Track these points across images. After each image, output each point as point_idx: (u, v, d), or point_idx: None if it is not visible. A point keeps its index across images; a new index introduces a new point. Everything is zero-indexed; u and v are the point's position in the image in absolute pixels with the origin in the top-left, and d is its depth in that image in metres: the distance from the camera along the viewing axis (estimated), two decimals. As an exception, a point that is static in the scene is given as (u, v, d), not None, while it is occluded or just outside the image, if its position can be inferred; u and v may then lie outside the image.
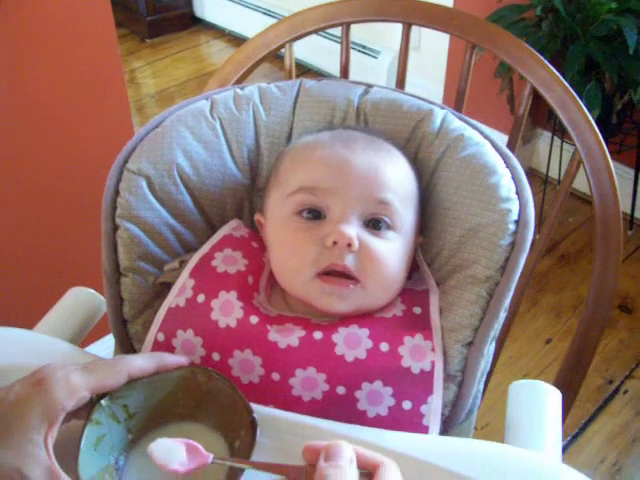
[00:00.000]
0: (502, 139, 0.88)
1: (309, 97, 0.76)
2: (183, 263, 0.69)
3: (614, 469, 1.39)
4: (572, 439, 1.43)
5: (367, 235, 0.64)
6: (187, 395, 0.57)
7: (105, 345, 1.33)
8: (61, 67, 1.15)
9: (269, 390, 0.61)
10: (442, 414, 0.62)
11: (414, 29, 0.91)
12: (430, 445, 0.57)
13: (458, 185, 0.68)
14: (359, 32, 2.36)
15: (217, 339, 0.62)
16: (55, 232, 1.29)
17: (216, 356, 0.62)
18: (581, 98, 0.80)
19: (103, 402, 0.54)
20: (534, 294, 1.75)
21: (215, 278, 0.66)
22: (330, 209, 0.64)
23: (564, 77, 0.82)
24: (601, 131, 0.81)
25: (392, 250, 0.65)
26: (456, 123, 0.72)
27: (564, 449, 1.42)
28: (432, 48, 2.15)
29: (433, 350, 0.62)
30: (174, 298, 0.66)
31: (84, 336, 0.78)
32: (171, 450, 0.50)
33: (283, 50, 0.94)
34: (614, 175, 0.79)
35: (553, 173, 1.98)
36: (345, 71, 0.96)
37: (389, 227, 0.65)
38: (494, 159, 0.68)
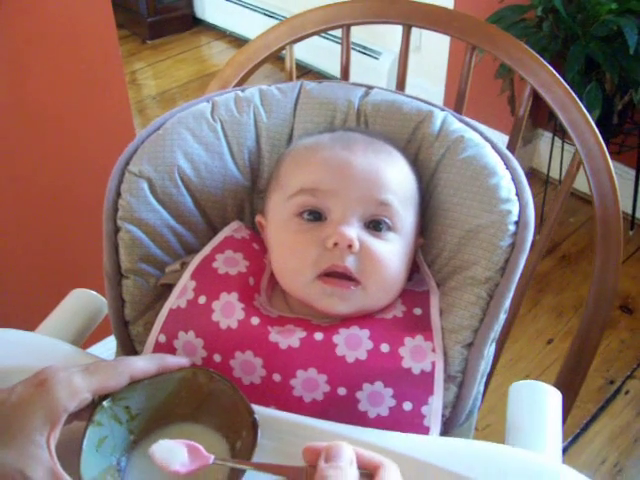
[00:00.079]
0: (503, 140, 0.88)
1: (310, 99, 0.76)
2: (184, 265, 0.69)
3: (615, 470, 1.39)
4: (573, 439, 1.43)
5: (368, 236, 0.64)
6: (189, 396, 0.58)
7: (107, 347, 1.33)
8: (62, 68, 1.16)
9: (270, 391, 0.61)
10: (443, 415, 0.62)
11: (415, 30, 0.91)
12: (431, 446, 0.57)
13: (458, 186, 0.68)
14: (360, 33, 2.36)
15: (218, 340, 0.63)
16: (56, 234, 1.29)
17: (217, 357, 0.62)
18: (582, 99, 0.81)
19: (105, 403, 0.54)
20: (535, 295, 1.75)
21: (216, 279, 0.67)
22: (331, 211, 0.64)
23: (565, 78, 0.83)
24: (602, 132, 0.81)
25: (392, 251, 0.65)
26: (456, 125, 0.73)
27: (565, 449, 1.42)
28: (433, 49, 2.15)
29: (433, 351, 0.62)
30: (175, 300, 0.66)
31: (86, 338, 0.78)
32: (172, 451, 0.50)
33: (284, 51, 0.95)
34: (614, 175, 0.79)
35: (554, 173, 1.98)
36: (345, 73, 0.96)
37: (389, 228, 0.66)
38: (494, 160, 0.69)
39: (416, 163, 0.73)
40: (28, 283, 1.30)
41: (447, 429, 0.64)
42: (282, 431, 0.56)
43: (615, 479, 1.37)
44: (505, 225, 0.65)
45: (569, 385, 0.83)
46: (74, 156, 1.25)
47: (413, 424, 0.60)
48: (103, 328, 0.79)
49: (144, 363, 0.56)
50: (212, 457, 0.50)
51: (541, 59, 0.84)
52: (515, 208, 0.66)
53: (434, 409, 0.61)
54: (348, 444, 0.47)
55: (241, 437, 0.54)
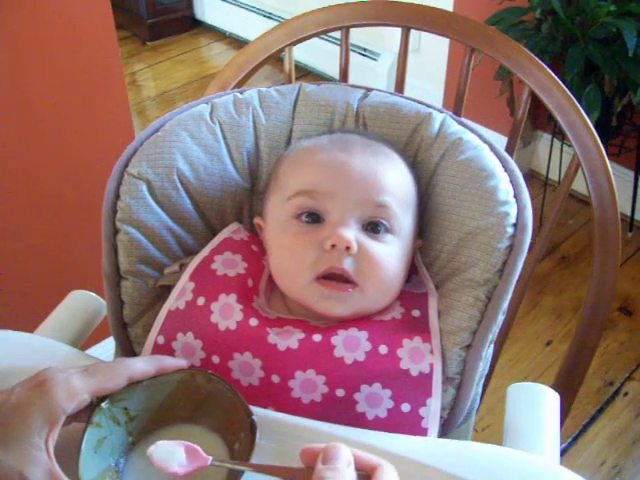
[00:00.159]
0: (502, 141, 0.88)
1: (308, 101, 0.76)
2: (183, 266, 0.69)
3: (614, 471, 1.39)
4: (572, 441, 1.44)
5: (366, 238, 0.64)
6: (187, 398, 0.58)
7: (105, 348, 1.33)
8: (61, 70, 1.16)
9: (269, 392, 0.61)
10: (441, 417, 0.62)
11: (414, 32, 0.91)
12: (429, 447, 0.57)
13: (456, 188, 0.69)
14: (359, 35, 2.37)
15: (217, 342, 0.63)
16: (56, 235, 1.29)
17: (216, 359, 0.62)
18: (580, 101, 0.81)
19: (104, 405, 0.54)
20: (534, 296, 1.75)
21: (215, 281, 0.67)
22: (329, 213, 0.65)
23: (564, 79, 0.83)
24: (601, 133, 0.81)
25: (390, 253, 0.65)
26: (455, 127, 0.73)
27: (564, 451, 1.42)
28: (432, 50, 2.15)
29: (432, 353, 0.63)
30: (174, 301, 0.66)
31: (85, 339, 0.78)
32: (170, 452, 0.50)
33: (283, 53, 0.95)
34: (612, 177, 0.79)
35: (553, 175, 1.98)
36: (344, 74, 0.97)
37: (387, 230, 0.66)
38: (492, 163, 0.69)
39: (414, 165, 0.73)
40: (27, 284, 1.30)
41: (445, 430, 0.64)
42: (280, 432, 0.56)
43: (614, 480, 1.38)
44: (503, 227, 0.65)
45: (567, 386, 0.83)
46: (73, 157, 1.25)
47: (411, 425, 0.60)
48: (102, 329, 0.80)
49: (143, 364, 0.56)
50: (210, 458, 0.50)
51: (540, 61, 0.84)
52: (513, 210, 0.66)
53: (432, 411, 0.61)
54: (346, 446, 0.48)
55: (239, 438, 0.54)
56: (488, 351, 0.65)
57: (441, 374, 0.62)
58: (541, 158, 2.10)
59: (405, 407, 0.61)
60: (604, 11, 1.51)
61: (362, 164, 0.66)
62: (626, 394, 1.53)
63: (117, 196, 0.69)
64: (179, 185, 0.71)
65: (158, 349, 0.64)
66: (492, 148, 0.71)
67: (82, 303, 0.80)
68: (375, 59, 2.40)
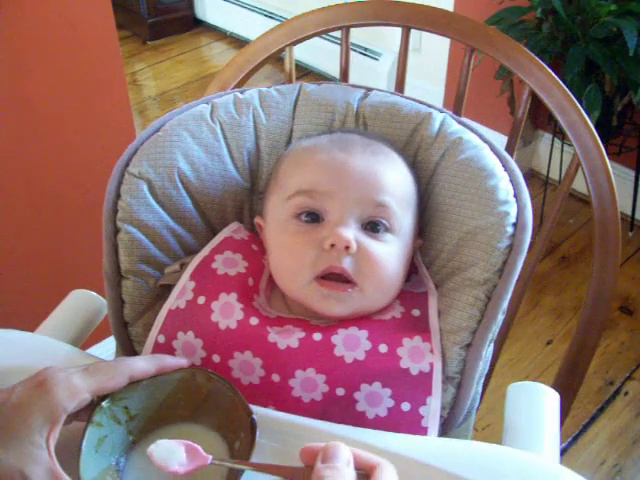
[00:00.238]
0: (502, 141, 0.88)
1: (309, 101, 0.76)
2: (184, 265, 0.69)
3: (614, 470, 1.39)
4: (572, 440, 1.44)
5: (365, 238, 0.64)
6: (187, 397, 0.58)
7: (106, 347, 1.34)
8: (62, 69, 1.16)
9: (269, 391, 0.61)
10: (441, 416, 0.62)
11: (415, 31, 0.91)
12: (429, 446, 0.57)
13: (456, 188, 0.69)
14: (360, 34, 2.37)
15: (217, 341, 0.63)
16: (56, 235, 1.29)
17: (216, 358, 0.63)
18: (581, 100, 0.81)
19: (104, 404, 0.54)
20: (535, 296, 1.76)
21: (215, 280, 0.67)
22: (328, 212, 0.65)
23: (564, 79, 0.83)
24: (601, 133, 0.81)
25: (390, 253, 0.65)
26: (455, 126, 0.73)
27: (564, 450, 1.42)
28: (433, 50, 2.15)
29: (432, 352, 0.63)
30: (175, 300, 0.66)
31: (85, 338, 0.78)
32: (171, 451, 0.50)
33: (284, 53, 0.95)
34: (612, 177, 0.79)
35: (554, 175, 1.98)
36: (345, 74, 0.97)
37: (387, 230, 0.66)
38: (492, 162, 0.69)
39: (415, 165, 0.73)
40: (28, 284, 1.30)
41: (445, 430, 0.64)
42: (281, 431, 0.57)
43: (614, 480, 1.38)
44: (503, 227, 0.65)
45: (567, 386, 0.84)
46: (74, 157, 1.25)
47: (411, 425, 0.61)
48: (103, 329, 0.80)
49: (143, 364, 0.56)
50: (210, 457, 0.51)
51: (540, 61, 0.85)
52: (513, 210, 0.66)
53: (432, 410, 0.61)
54: (345, 445, 0.48)
55: (240, 437, 0.54)
56: (488, 350, 0.65)
57: (441, 373, 0.62)
58: (541, 157, 2.10)
59: (405, 406, 0.61)
60: (605, 10, 1.51)
61: (362, 164, 0.66)
62: (626, 394, 1.53)
63: (118, 196, 0.69)
64: (180, 185, 0.71)
65: (159, 348, 0.64)
66: (492, 147, 0.71)
67: (83, 302, 0.80)
68: (376, 59, 2.41)
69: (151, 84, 2.70)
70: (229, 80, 0.93)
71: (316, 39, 0.96)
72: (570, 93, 0.82)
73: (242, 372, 0.62)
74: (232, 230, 0.73)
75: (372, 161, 0.67)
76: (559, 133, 1.82)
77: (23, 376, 0.53)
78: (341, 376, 0.61)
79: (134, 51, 2.90)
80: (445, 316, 0.65)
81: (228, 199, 0.74)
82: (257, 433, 0.53)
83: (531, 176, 2.12)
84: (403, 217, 0.67)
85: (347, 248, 0.62)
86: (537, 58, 0.85)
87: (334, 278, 0.63)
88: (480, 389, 0.68)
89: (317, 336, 0.62)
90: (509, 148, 0.88)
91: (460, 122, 0.74)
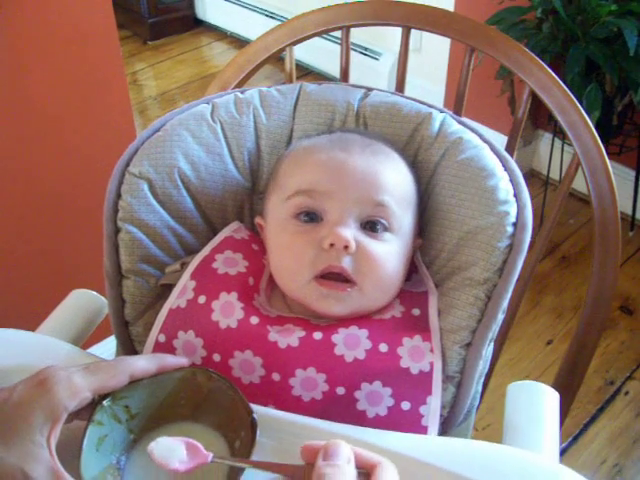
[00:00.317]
0: (503, 140, 0.89)
1: (309, 101, 0.76)
2: (184, 265, 0.69)
3: (615, 470, 1.39)
4: (573, 440, 1.44)
5: (364, 237, 0.64)
6: (188, 396, 0.58)
7: (107, 347, 1.34)
8: (63, 69, 1.16)
9: (269, 390, 0.62)
10: (441, 415, 0.62)
11: (415, 31, 0.91)
12: (429, 445, 0.57)
13: (456, 188, 0.69)
14: (361, 34, 2.37)
15: (218, 340, 0.63)
16: (57, 234, 1.30)
17: (217, 357, 0.63)
18: (581, 100, 0.81)
19: (105, 403, 0.54)
20: (535, 295, 1.76)
21: (216, 279, 0.67)
22: (327, 212, 0.65)
23: (564, 79, 0.83)
24: (602, 133, 0.81)
25: (389, 252, 0.65)
26: (455, 126, 0.73)
27: (565, 450, 1.42)
28: (433, 50, 2.16)
29: (432, 351, 0.63)
30: (175, 299, 0.66)
31: (86, 338, 0.79)
32: (171, 449, 0.50)
33: (284, 53, 0.95)
34: (612, 177, 0.79)
35: (554, 174, 1.98)
36: (345, 74, 0.97)
37: (386, 229, 0.66)
38: (492, 162, 0.69)
39: (415, 164, 0.73)
40: (29, 283, 1.30)
41: (445, 429, 0.64)
42: (281, 430, 0.57)
43: (615, 479, 1.38)
44: (503, 226, 0.65)
45: (567, 386, 0.84)
46: (75, 157, 1.26)
47: (411, 424, 0.61)
48: (103, 328, 0.80)
49: (144, 363, 0.57)
50: (211, 455, 0.51)
51: (540, 61, 0.85)
52: (513, 210, 0.66)
53: (432, 409, 0.61)
54: (346, 443, 0.48)
55: (240, 436, 0.54)
56: (488, 350, 0.65)
57: (441, 372, 0.62)
58: (542, 157, 2.10)
59: (405, 405, 0.61)
60: (605, 10, 1.51)
61: (361, 163, 0.66)
62: (627, 393, 1.53)
63: (118, 195, 0.70)
64: (180, 184, 0.71)
65: (159, 347, 0.64)
66: (492, 147, 0.71)
67: (83, 302, 0.81)
68: (376, 58, 2.41)
69: (151, 84, 2.70)
70: (230, 80, 0.93)
71: (316, 39, 0.96)
72: (570, 93, 0.82)
73: (242, 371, 0.62)
74: (232, 230, 0.73)
75: (371, 161, 0.67)
76: (559, 133, 1.82)
77: (24, 375, 0.53)
78: (341, 375, 0.61)
79: (134, 51, 2.91)
80: (445, 315, 0.65)
81: (229, 199, 0.74)
82: (257, 432, 0.53)
83: (531, 176, 2.12)
84: (402, 217, 0.67)
85: (346, 247, 0.62)
86: (537, 58, 0.85)
87: (333, 277, 0.64)
88: (480, 388, 0.68)
89: (317, 335, 0.62)
90: (509, 148, 0.88)
91: (460, 122, 0.74)
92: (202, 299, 0.65)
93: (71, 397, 0.51)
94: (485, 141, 0.72)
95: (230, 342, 0.62)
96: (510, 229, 0.65)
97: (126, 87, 1.28)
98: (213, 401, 0.57)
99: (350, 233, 0.63)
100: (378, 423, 0.60)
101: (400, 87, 0.96)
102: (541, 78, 0.84)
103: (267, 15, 2.75)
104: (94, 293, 0.81)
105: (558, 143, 1.88)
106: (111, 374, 0.54)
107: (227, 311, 0.64)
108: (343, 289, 0.63)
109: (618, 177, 0.80)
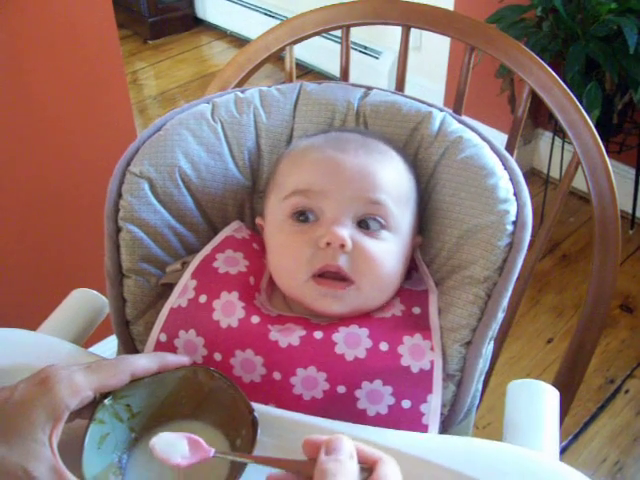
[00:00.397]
0: (503, 139, 0.89)
1: (309, 100, 0.76)
2: (185, 264, 0.69)
3: (615, 468, 1.39)
4: (573, 438, 1.44)
5: (361, 236, 0.64)
6: (189, 394, 0.58)
7: (108, 346, 1.34)
8: (63, 68, 1.16)
9: (270, 389, 0.62)
10: (441, 413, 0.62)
11: (415, 30, 0.91)
12: (430, 443, 0.58)
13: (457, 186, 0.69)
14: (360, 33, 2.37)
15: (219, 339, 0.63)
16: (58, 234, 1.30)
17: (218, 356, 0.63)
18: (581, 99, 0.81)
19: (106, 401, 0.55)
20: (535, 294, 1.76)
21: (217, 279, 0.67)
22: (323, 211, 0.65)
23: (564, 77, 0.83)
24: (602, 131, 0.81)
25: (387, 250, 0.65)
26: (455, 125, 0.73)
27: (565, 448, 1.42)
28: (433, 48, 2.15)
29: (432, 349, 0.63)
30: (176, 299, 0.67)
31: (87, 337, 0.79)
32: (173, 444, 0.50)
33: (284, 52, 0.95)
34: (612, 175, 0.80)
35: (554, 173, 1.98)
36: (345, 73, 0.97)
37: (383, 227, 0.66)
38: (492, 161, 0.69)
39: (415, 163, 0.73)
40: (30, 283, 1.30)
41: (445, 427, 0.64)
42: (282, 429, 0.57)
43: (615, 477, 1.38)
44: (503, 225, 0.65)
45: (568, 384, 0.84)
46: (75, 156, 1.26)
47: (412, 422, 0.61)
48: (104, 327, 0.80)
49: (145, 361, 0.57)
50: (212, 450, 0.50)
51: (540, 60, 0.85)
52: (513, 208, 0.66)
53: (433, 407, 0.61)
54: (348, 438, 0.48)
55: (241, 435, 0.55)
56: (488, 348, 0.65)
57: (441, 371, 0.62)
58: (542, 156, 2.10)
59: (406, 404, 0.61)
60: (605, 9, 1.51)
61: (356, 162, 0.66)
62: (627, 392, 1.53)
63: (119, 195, 0.70)
64: (181, 184, 0.71)
65: (160, 346, 0.65)
66: (492, 146, 0.71)
67: (84, 301, 0.81)
68: (376, 57, 2.41)
69: (152, 83, 2.70)
70: (230, 79, 0.93)
71: (316, 38, 0.96)
72: (570, 92, 0.82)
73: (243, 370, 0.62)
74: (233, 229, 0.73)
75: (367, 159, 0.67)
76: (559, 132, 1.82)
77: (25, 374, 0.53)
78: (342, 374, 0.61)
79: (135, 50, 2.90)
80: (445, 314, 0.65)
81: (229, 198, 0.74)
82: (258, 430, 0.53)
83: (531, 175, 2.12)
84: (400, 215, 0.67)
85: (342, 246, 0.62)
86: (537, 57, 0.85)
87: (331, 276, 0.64)
88: (480, 387, 0.68)
89: (318, 334, 0.62)
90: (509, 147, 0.88)
91: (460, 121, 0.74)
92: (203, 298, 0.65)
93: (72, 396, 0.51)
94: (485, 140, 0.72)
95: (231, 341, 0.63)
96: (510, 228, 0.65)
97: (126, 86, 1.28)
98: (214, 400, 0.57)
99: (346, 232, 0.63)
100: (379, 422, 0.60)
101: (400, 86, 0.96)
102: (541, 77, 0.84)
103: (267, 14, 2.75)
104: (95, 292, 0.81)
105: (558, 142, 1.88)
106: (112, 373, 0.54)
107: (228, 310, 0.64)
108: (341, 287, 0.63)
109: (618, 175, 0.80)
